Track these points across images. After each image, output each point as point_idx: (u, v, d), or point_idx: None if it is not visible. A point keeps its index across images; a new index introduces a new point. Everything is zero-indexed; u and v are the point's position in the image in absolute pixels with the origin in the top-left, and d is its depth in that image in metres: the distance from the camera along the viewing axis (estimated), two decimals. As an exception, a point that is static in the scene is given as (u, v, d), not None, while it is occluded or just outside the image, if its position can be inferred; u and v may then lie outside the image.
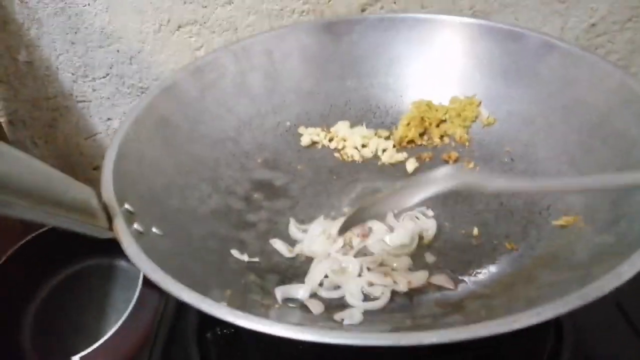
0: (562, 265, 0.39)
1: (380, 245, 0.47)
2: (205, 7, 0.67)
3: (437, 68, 0.60)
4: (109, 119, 0.75)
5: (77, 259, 0.70)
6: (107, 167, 0.41)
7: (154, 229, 0.40)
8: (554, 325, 0.45)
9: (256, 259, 0.46)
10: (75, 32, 0.68)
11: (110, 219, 0.36)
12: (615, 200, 0.41)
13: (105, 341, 0.55)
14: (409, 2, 0.67)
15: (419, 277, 0.44)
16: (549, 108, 0.52)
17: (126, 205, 0.39)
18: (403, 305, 0.42)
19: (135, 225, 0.37)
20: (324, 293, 0.43)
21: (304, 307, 0.41)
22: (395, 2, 0.68)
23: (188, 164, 0.51)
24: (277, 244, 0.47)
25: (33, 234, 0.64)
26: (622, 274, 0.30)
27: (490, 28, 0.57)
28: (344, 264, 0.45)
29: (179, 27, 0.68)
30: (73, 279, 0.69)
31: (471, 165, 0.55)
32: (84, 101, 0.73)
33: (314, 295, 0.43)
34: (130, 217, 0.38)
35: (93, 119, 0.75)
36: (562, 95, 0.52)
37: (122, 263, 0.70)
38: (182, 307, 0.50)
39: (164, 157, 0.49)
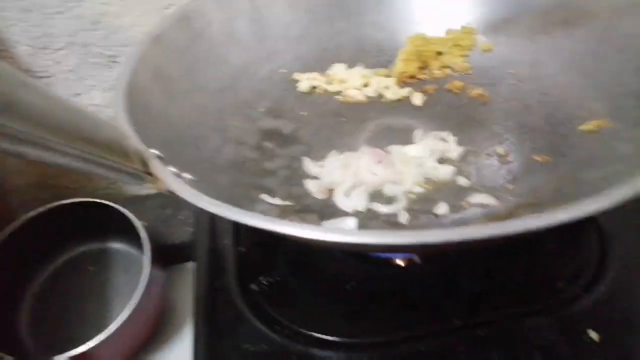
0: (605, 162, 0.39)
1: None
2: (174, -41, 0.62)
3: (427, 1, 0.59)
4: (76, 94, 0.69)
5: (65, 249, 0.65)
6: (121, 117, 0.37)
7: (185, 174, 0.36)
8: (599, 240, 0.45)
9: (289, 202, 0.43)
10: (29, -2, 0.61)
11: (144, 163, 0.33)
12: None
13: (121, 324, 0.51)
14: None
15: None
16: (550, 24, 0.52)
17: (154, 150, 0.35)
18: (446, 222, 0.41)
19: (171, 168, 0.34)
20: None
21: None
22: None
23: (194, 115, 0.47)
24: (310, 184, 0.45)
25: (21, 221, 0.58)
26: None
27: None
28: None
29: (146, -17, 0.63)
30: (66, 268, 0.64)
31: (479, 91, 0.54)
32: (46, 77, 0.67)
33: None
34: (162, 162, 0.34)
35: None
36: (562, 9, 0.52)
37: (115, 246, 0.66)
38: (216, 267, 0.46)
39: (169, 108, 0.45)
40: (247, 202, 0.41)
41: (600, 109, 0.45)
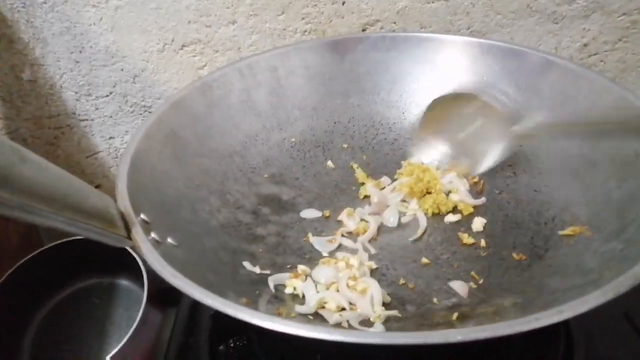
0: (572, 272, 0.40)
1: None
2: (209, 26, 0.68)
3: (438, 85, 0.62)
4: (110, 137, 0.75)
5: (77, 278, 0.69)
6: (121, 178, 0.41)
7: (169, 239, 0.40)
8: (565, 336, 0.45)
9: (267, 272, 0.46)
10: (80, 51, 0.68)
11: (128, 228, 0.36)
12: (621, 208, 0.42)
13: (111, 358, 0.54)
14: (408, 23, 0.69)
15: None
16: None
17: (142, 216, 0.39)
18: (416, 314, 0.42)
19: (153, 235, 0.37)
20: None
21: (318, 316, 0.41)
22: (395, 22, 0.69)
23: (197, 178, 0.51)
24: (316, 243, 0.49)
25: (32, 254, 0.64)
26: (638, 274, 0.30)
27: (491, 46, 0.59)
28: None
29: (183, 46, 0.69)
30: (73, 298, 0.68)
31: (475, 179, 0.56)
32: (86, 120, 0.73)
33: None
34: (146, 227, 0.38)
35: (95, 138, 0.75)
36: (562, 110, 0.53)
37: (123, 282, 0.70)
38: (193, 322, 0.49)
39: (174, 170, 0.49)
40: (228, 268, 0.44)
41: (583, 215, 0.46)
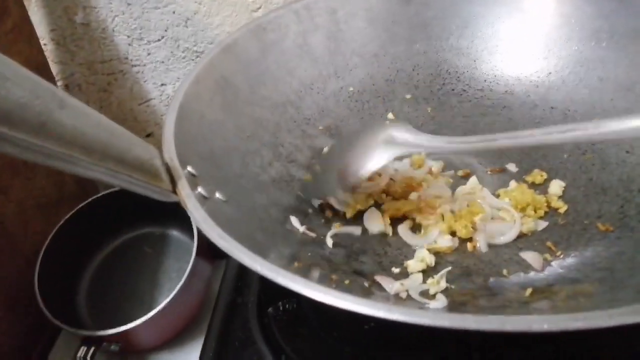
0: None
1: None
2: (266, -36, 0.63)
3: (517, 30, 0.55)
4: (162, 84, 0.73)
5: (130, 227, 0.70)
6: (168, 128, 0.39)
7: (217, 194, 0.37)
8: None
9: (313, 234, 0.42)
10: (132, -8, 0.65)
11: (173, 181, 0.34)
12: None
13: (160, 310, 0.54)
14: (484, -41, 0.62)
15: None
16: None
17: (189, 168, 0.36)
18: (483, 287, 0.38)
19: (199, 189, 0.35)
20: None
21: (375, 284, 0.37)
22: (468, -41, 0.62)
23: (248, 128, 0.48)
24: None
25: (87, 200, 0.64)
26: None
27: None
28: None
29: (237, -14, 0.65)
30: (126, 246, 0.69)
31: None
32: (139, 65, 0.71)
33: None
34: (193, 180, 0.35)
35: (147, 84, 0.73)
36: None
37: (174, 233, 0.70)
38: (241, 281, 0.47)
39: (224, 119, 0.46)
40: (279, 227, 0.41)
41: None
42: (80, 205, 0.64)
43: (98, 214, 0.64)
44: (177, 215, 0.64)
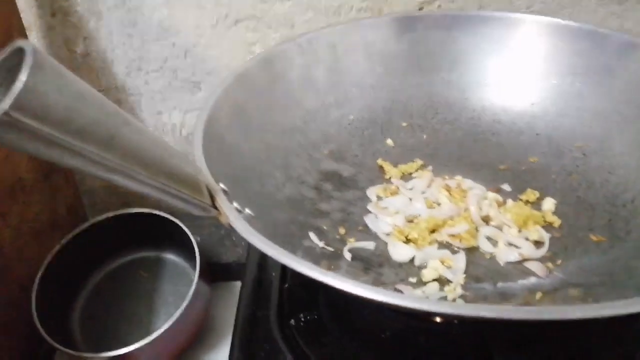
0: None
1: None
2: (265, 2, 0.67)
3: (503, 66, 0.60)
4: (159, 112, 0.75)
5: (125, 252, 0.70)
6: (197, 147, 0.41)
7: (247, 210, 0.39)
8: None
9: (331, 249, 0.45)
10: (133, 25, 0.68)
11: (212, 196, 0.36)
12: None
13: (161, 334, 0.55)
14: (467, 1, 0.68)
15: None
16: (624, 104, 0.52)
17: (221, 185, 0.38)
18: (495, 292, 0.41)
19: (235, 204, 0.37)
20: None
21: (398, 291, 0.40)
22: (453, 1, 0.68)
23: (262, 152, 0.50)
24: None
25: (83, 226, 0.64)
26: None
27: (559, 26, 0.57)
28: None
29: (237, 22, 0.68)
30: (120, 271, 0.69)
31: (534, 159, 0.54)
32: (136, 94, 0.73)
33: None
34: (227, 196, 0.37)
35: (143, 113, 0.75)
36: (638, 92, 0.51)
37: (170, 256, 0.71)
38: (259, 296, 0.49)
39: (241, 143, 0.48)
40: (298, 240, 0.44)
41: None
42: (76, 231, 0.64)
43: (93, 239, 0.65)
44: (173, 239, 0.66)
